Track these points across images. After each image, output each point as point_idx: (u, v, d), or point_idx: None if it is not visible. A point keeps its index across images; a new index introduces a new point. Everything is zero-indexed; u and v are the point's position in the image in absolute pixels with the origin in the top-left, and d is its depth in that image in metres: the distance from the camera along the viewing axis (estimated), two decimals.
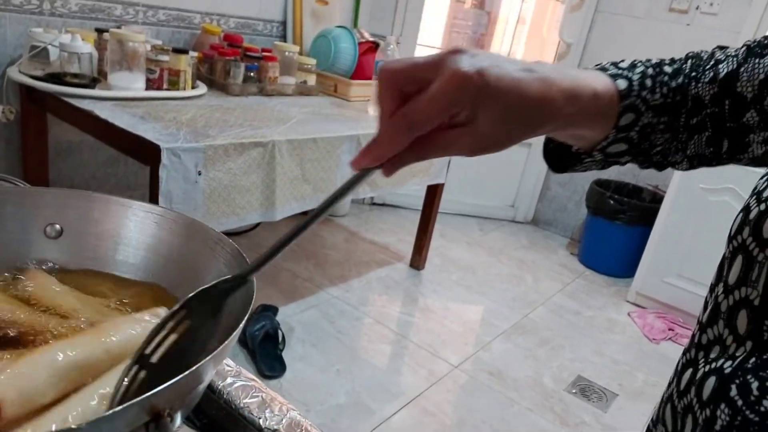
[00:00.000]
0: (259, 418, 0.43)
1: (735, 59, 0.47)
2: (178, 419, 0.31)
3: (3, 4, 1.75)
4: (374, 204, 3.43)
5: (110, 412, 0.26)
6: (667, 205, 2.60)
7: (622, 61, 0.48)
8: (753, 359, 0.38)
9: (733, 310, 0.41)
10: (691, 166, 0.50)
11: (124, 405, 0.27)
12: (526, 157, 3.45)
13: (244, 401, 0.44)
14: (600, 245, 3.09)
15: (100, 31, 1.82)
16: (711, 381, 0.40)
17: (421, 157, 0.40)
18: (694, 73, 0.47)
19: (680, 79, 0.47)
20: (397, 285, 2.57)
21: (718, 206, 2.45)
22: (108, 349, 0.37)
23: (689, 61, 0.49)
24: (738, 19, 2.71)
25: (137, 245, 0.47)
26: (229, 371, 0.47)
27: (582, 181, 3.35)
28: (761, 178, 0.43)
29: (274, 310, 2.07)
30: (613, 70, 0.46)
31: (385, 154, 0.39)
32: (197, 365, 0.32)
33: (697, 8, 2.83)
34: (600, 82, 0.44)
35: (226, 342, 0.34)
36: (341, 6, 2.88)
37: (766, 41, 0.46)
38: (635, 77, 0.45)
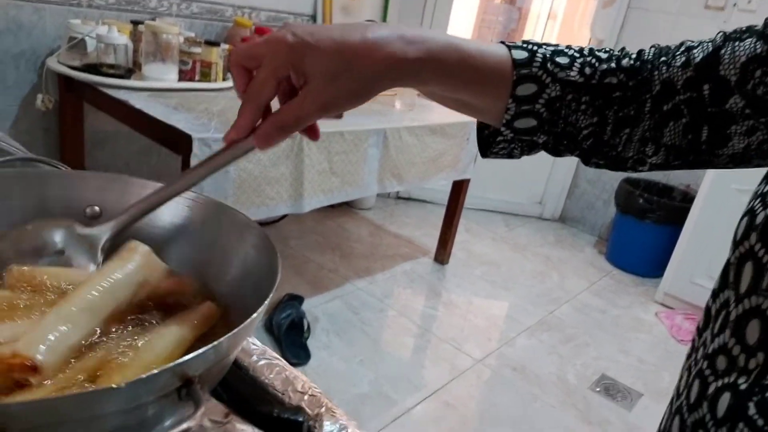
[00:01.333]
0: (282, 394, 0.45)
1: (711, 44, 0.46)
2: (206, 390, 0.33)
3: None
4: (399, 198, 3.44)
5: (146, 375, 0.28)
6: (698, 205, 2.55)
7: (534, 41, 0.47)
8: None
9: (742, 319, 0.39)
10: (667, 160, 0.48)
11: (159, 369, 0.29)
12: None
13: (269, 377, 0.46)
14: (628, 244, 3.05)
15: (135, 23, 1.87)
16: (726, 397, 0.38)
17: (283, 129, 0.42)
18: (663, 58, 0.46)
19: (628, 63, 0.46)
20: (421, 279, 2.58)
21: None
22: (112, 289, 0.41)
23: (651, 49, 0.48)
24: None
25: (170, 227, 0.50)
26: (255, 350, 0.49)
27: (611, 179, 3.30)
28: (762, 180, 0.41)
29: (300, 299, 2.10)
30: (518, 44, 0.45)
31: (243, 125, 0.42)
32: (220, 340, 0.34)
33: (734, 5, 2.76)
34: (480, 46, 0.44)
35: (251, 318, 0.36)
36: (371, 1, 2.89)
37: (743, 28, 0.45)
38: (542, 51, 0.45)
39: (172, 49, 1.77)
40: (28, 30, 1.82)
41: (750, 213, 0.39)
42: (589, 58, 0.46)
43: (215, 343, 0.32)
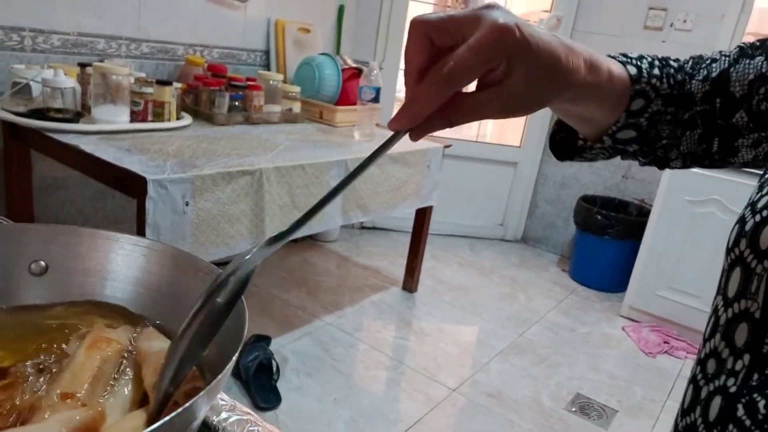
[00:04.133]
0: None
1: (727, 59, 0.48)
2: None
3: None
4: (364, 228, 3.43)
5: None
6: (654, 219, 2.62)
7: (630, 53, 0.49)
8: (757, 376, 0.37)
9: (732, 322, 0.40)
10: (684, 164, 0.51)
11: None
12: (512, 176, 3.47)
13: None
14: (590, 261, 3.10)
15: (83, 66, 1.82)
16: (717, 401, 0.39)
17: (451, 120, 0.38)
18: (691, 71, 0.49)
19: (680, 76, 0.49)
20: (391, 309, 2.55)
21: (705, 218, 2.47)
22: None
23: (691, 60, 0.50)
24: (711, 35, 2.77)
25: (125, 279, 0.46)
26: (223, 405, 0.45)
27: (569, 198, 3.37)
28: (755, 189, 0.43)
29: (267, 340, 2.03)
30: (622, 59, 0.47)
31: (424, 111, 0.36)
32: (190, 402, 0.30)
33: (671, 25, 2.90)
34: (612, 63, 0.44)
35: (219, 376, 0.33)
36: (323, 34, 2.91)
37: (757, 43, 0.47)
38: (644, 65, 0.47)
39: (123, 89, 1.73)
40: None
41: (740, 221, 0.41)
42: (668, 69, 0.48)
43: (179, 410, 0.29)
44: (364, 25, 3.15)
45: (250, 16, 2.53)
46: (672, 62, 0.49)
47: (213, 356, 0.39)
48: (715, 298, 0.43)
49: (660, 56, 0.49)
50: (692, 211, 2.50)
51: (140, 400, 0.39)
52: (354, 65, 2.56)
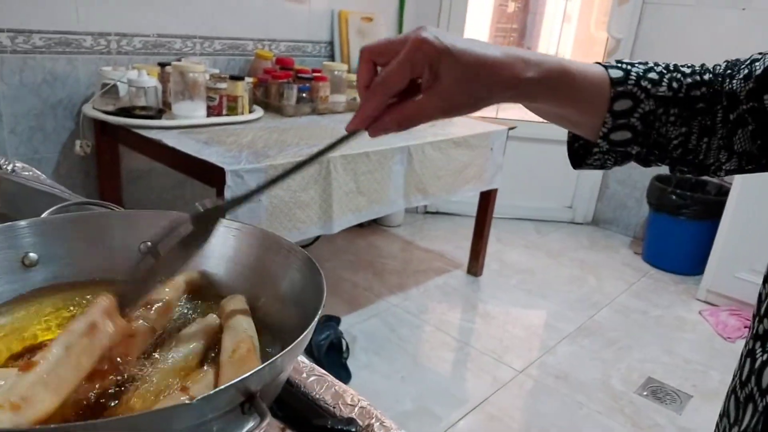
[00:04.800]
0: (334, 407, 0.47)
1: None
2: (267, 403, 0.35)
3: (75, 48, 1.91)
4: (428, 212, 3.46)
5: (213, 391, 0.31)
6: (734, 197, 2.50)
7: (627, 60, 0.51)
8: None
9: None
10: (740, 165, 0.51)
11: (224, 386, 0.31)
12: None
13: (320, 393, 0.48)
14: (665, 242, 2.99)
15: (162, 65, 1.95)
16: None
17: (400, 124, 0.45)
18: (729, 71, 0.49)
19: (707, 77, 0.49)
20: (456, 292, 2.58)
21: None
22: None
23: (724, 63, 0.51)
24: None
25: (220, 256, 0.53)
26: (304, 367, 0.51)
27: (642, 177, 3.25)
28: None
29: (336, 320, 2.13)
30: (612, 64, 0.49)
31: (369, 115, 0.45)
32: (275, 357, 0.36)
33: None
34: (582, 67, 0.47)
35: (303, 333, 0.38)
36: (386, 21, 2.95)
37: None
38: (635, 69, 0.48)
39: (199, 86, 1.84)
40: (63, 80, 1.92)
41: None
42: (674, 74, 0.49)
43: (272, 359, 0.34)
44: (426, 11, 3.16)
45: (315, 9, 2.61)
46: (683, 68, 0.50)
47: (294, 323, 0.44)
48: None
49: (671, 63, 0.50)
50: None
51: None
52: None
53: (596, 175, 3.43)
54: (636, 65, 0.49)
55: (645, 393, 1.99)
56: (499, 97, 0.45)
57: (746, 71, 0.48)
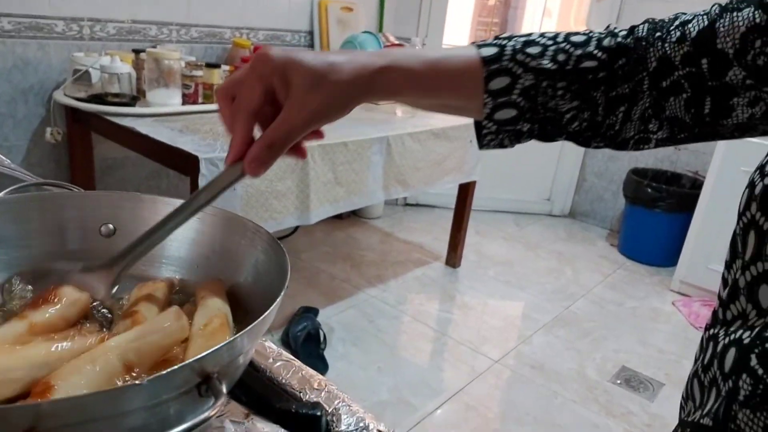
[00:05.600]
0: (300, 392, 0.46)
1: (706, 17, 0.45)
2: (224, 386, 0.34)
3: (47, 33, 1.86)
4: (407, 204, 3.46)
5: (166, 372, 0.30)
6: (707, 191, 2.54)
7: (504, 35, 0.49)
8: None
9: (753, 285, 0.41)
10: (672, 133, 0.48)
11: (177, 366, 0.31)
12: (559, 149, 3.42)
13: (286, 378, 0.48)
14: (640, 235, 3.04)
15: (137, 52, 1.91)
16: (731, 352, 0.41)
17: (271, 146, 0.43)
18: (658, 33, 0.46)
19: (628, 40, 0.47)
20: (434, 283, 2.59)
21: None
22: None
23: (645, 25, 0.48)
24: None
25: (182, 239, 0.52)
26: (271, 352, 0.51)
27: (619, 170, 3.29)
28: (766, 155, 0.43)
29: (314, 311, 2.12)
30: (488, 42, 0.47)
31: (238, 141, 0.43)
32: (235, 337, 0.35)
33: None
34: (446, 51, 0.46)
35: (262, 317, 0.38)
36: (366, 11, 2.93)
37: None
38: (512, 43, 0.47)
39: (175, 73, 1.81)
40: (35, 66, 1.87)
41: (750, 185, 0.41)
42: (563, 45, 0.47)
43: (230, 339, 0.34)
44: (407, 2, 3.14)
45: None
46: (573, 37, 0.47)
47: (258, 302, 0.43)
48: (732, 262, 0.44)
49: (561, 34, 0.48)
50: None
51: None
52: (396, 42, 2.57)
53: (574, 168, 3.46)
54: (514, 39, 0.47)
55: (619, 381, 2.02)
56: (358, 92, 0.44)
57: (678, 33, 0.45)
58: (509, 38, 0.47)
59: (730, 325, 0.45)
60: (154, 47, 2.01)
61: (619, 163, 3.31)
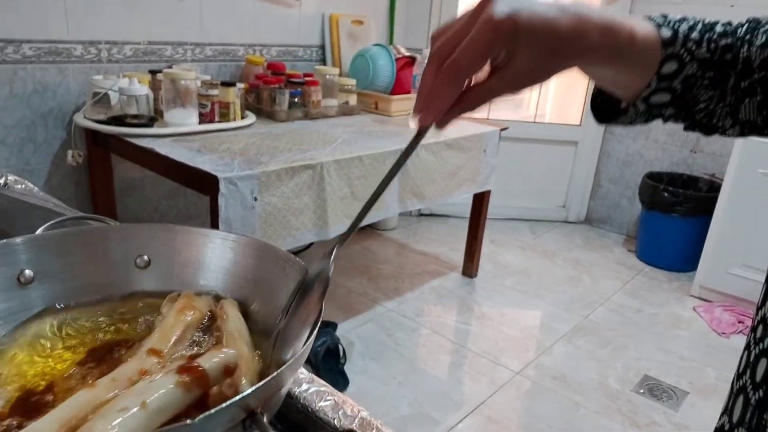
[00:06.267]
0: (334, 419, 0.47)
1: None
2: (266, 418, 0.35)
3: (66, 57, 1.90)
4: (422, 215, 3.46)
5: (214, 410, 0.31)
6: (725, 194, 2.52)
7: (672, 15, 0.48)
8: None
9: None
10: (742, 133, 0.49)
11: (224, 405, 0.31)
12: (573, 156, 3.41)
13: (319, 404, 0.48)
14: (658, 240, 3.01)
15: (153, 72, 1.94)
16: (763, 362, 0.41)
17: (469, 106, 0.41)
18: (748, 36, 0.47)
19: (730, 40, 0.46)
20: (451, 294, 2.58)
21: None
22: None
23: (747, 24, 0.48)
24: None
25: (216, 269, 0.53)
26: (303, 378, 0.51)
27: (633, 176, 3.27)
28: None
29: (333, 326, 2.12)
30: (660, 20, 0.46)
31: (443, 106, 0.40)
32: (278, 370, 0.36)
33: None
34: (641, 27, 0.44)
35: (300, 351, 0.38)
36: (376, 24, 2.95)
37: None
38: (682, 28, 0.46)
39: (191, 93, 1.84)
40: (54, 90, 1.91)
41: None
42: (710, 34, 0.47)
43: (274, 374, 0.34)
44: (416, 13, 3.16)
45: (305, 13, 2.61)
46: (718, 26, 0.47)
47: (292, 337, 0.44)
48: None
49: (706, 19, 0.48)
50: (766, 184, 2.39)
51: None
52: (407, 54, 2.59)
53: (588, 173, 3.45)
54: (680, 23, 0.46)
55: (642, 391, 2.00)
56: (571, 66, 0.42)
57: (764, 38, 0.46)
58: (678, 21, 0.46)
59: (756, 331, 0.44)
60: (170, 67, 2.04)
61: (634, 167, 3.28)
